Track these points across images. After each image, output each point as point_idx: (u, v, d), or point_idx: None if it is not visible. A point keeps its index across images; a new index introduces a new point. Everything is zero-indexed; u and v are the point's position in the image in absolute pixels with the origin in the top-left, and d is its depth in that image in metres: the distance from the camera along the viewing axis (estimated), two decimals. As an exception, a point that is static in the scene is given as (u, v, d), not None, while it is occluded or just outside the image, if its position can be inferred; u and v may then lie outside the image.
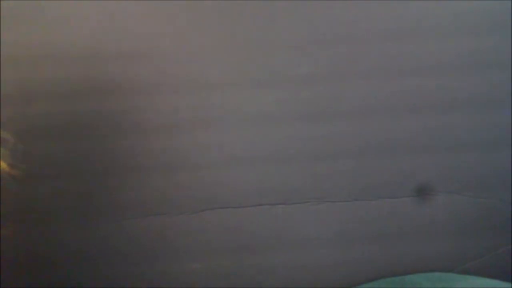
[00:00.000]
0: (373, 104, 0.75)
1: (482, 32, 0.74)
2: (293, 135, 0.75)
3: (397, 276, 0.75)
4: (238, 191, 0.75)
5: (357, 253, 0.77)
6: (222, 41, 0.74)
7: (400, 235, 0.77)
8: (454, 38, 0.74)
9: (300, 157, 0.75)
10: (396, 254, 0.77)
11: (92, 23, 0.73)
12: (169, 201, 0.75)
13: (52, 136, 0.73)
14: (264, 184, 0.75)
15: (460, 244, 0.77)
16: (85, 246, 0.74)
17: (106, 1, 0.72)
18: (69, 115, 0.73)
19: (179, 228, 0.75)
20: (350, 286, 0.76)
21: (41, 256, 0.73)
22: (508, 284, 0.62)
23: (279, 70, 0.75)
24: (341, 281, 0.76)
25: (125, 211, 0.74)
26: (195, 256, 0.76)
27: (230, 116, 0.75)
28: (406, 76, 0.75)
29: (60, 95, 0.72)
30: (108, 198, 0.74)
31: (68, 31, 0.73)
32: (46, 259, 0.74)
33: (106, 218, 0.74)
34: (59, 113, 0.72)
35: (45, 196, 0.73)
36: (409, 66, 0.75)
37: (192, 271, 0.75)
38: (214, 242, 0.76)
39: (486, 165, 0.76)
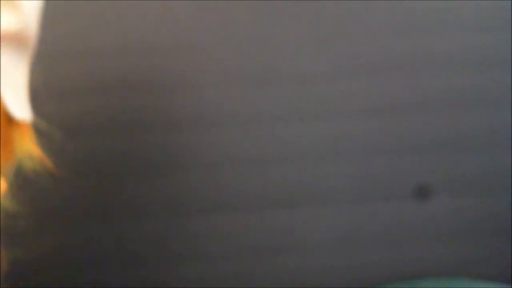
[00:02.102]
0: (373, 104, 0.75)
1: (482, 31, 0.74)
2: (293, 136, 0.75)
3: (401, 279, 0.74)
4: (238, 193, 0.74)
5: (358, 256, 0.76)
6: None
7: (401, 237, 0.76)
8: (454, 38, 0.75)
9: (301, 158, 0.75)
10: (397, 255, 0.76)
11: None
12: (167, 204, 0.74)
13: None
14: (265, 186, 0.75)
15: (461, 245, 0.77)
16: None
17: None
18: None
19: (177, 231, 0.74)
20: None
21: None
22: None
23: (278, 70, 0.74)
24: (344, 284, 0.75)
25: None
26: (194, 259, 0.74)
27: (227, 116, 0.74)
28: (406, 76, 0.75)
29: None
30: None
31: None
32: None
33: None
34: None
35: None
36: (409, 66, 0.75)
37: (191, 274, 0.74)
38: (214, 245, 0.75)
39: (486, 165, 0.76)
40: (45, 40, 0.37)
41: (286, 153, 0.75)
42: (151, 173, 0.73)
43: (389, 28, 0.74)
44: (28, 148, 0.42)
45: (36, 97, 0.39)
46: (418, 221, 0.76)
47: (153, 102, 0.73)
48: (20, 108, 0.38)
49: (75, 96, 0.69)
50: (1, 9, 0.34)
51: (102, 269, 0.73)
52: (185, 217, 0.74)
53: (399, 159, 0.76)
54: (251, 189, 0.75)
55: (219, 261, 0.75)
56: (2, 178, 0.40)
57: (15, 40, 0.36)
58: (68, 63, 0.70)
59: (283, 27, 0.74)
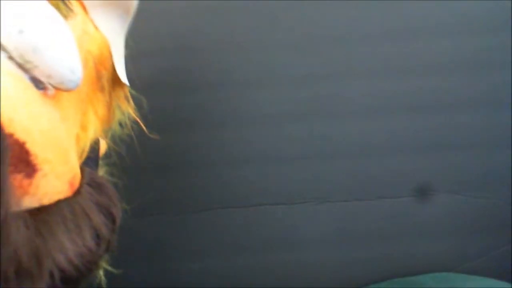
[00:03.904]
0: (373, 104, 0.75)
1: (482, 32, 0.74)
2: (293, 135, 0.75)
3: (401, 276, 0.75)
4: (238, 191, 0.75)
5: (356, 253, 0.77)
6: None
7: (400, 235, 0.77)
8: (454, 38, 0.74)
9: (300, 157, 0.75)
10: (396, 254, 0.77)
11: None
12: (168, 201, 0.75)
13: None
14: (264, 184, 0.76)
15: (460, 244, 0.77)
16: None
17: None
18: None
19: (178, 228, 0.75)
20: (352, 286, 0.76)
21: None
22: None
23: (278, 70, 0.75)
24: (341, 281, 0.76)
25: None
26: (194, 256, 0.76)
27: (227, 116, 0.75)
28: (406, 76, 0.75)
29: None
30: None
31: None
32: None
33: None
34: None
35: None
36: (409, 66, 0.75)
37: (191, 271, 0.76)
38: (213, 242, 0.76)
39: (486, 165, 0.76)
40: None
41: (287, 152, 0.76)
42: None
43: (391, 31, 0.74)
44: (124, 111, 0.43)
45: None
46: (415, 218, 0.77)
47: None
48: (124, 73, 0.40)
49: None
50: None
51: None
52: (185, 215, 0.76)
53: (399, 159, 0.76)
54: (248, 188, 0.76)
55: (218, 257, 0.76)
56: (103, 140, 0.41)
57: (124, 7, 0.38)
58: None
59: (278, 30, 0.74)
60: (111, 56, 0.38)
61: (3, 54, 0.28)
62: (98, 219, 0.31)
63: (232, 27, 0.74)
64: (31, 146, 0.27)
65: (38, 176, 0.27)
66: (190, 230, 0.75)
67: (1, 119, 0.26)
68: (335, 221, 0.77)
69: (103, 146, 0.41)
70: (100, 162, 0.42)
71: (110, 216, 0.33)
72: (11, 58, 0.28)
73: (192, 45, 0.74)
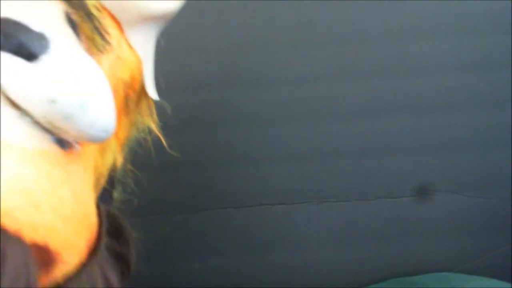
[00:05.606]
0: (373, 104, 0.75)
1: (482, 32, 0.74)
2: (293, 135, 0.75)
3: (401, 276, 0.75)
4: (238, 191, 0.75)
5: (357, 253, 0.77)
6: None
7: (400, 235, 0.77)
8: (454, 38, 0.74)
9: (300, 157, 0.75)
10: (396, 253, 0.77)
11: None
12: (168, 201, 0.75)
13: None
14: (264, 184, 0.76)
15: (459, 243, 0.77)
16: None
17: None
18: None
19: (178, 228, 0.75)
20: (352, 286, 0.76)
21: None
22: None
23: (278, 70, 0.75)
24: (341, 281, 0.76)
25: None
26: (194, 256, 0.76)
27: (227, 116, 0.75)
28: (406, 76, 0.75)
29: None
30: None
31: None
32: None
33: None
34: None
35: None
36: (409, 66, 0.75)
37: (191, 271, 0.76)
38: (214, 242, 0.76)
39: (486, 165, 0.76)
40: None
41: (287, 152, 0.76)
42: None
43: (391, 31, 0.74)
44: (145, 124, 0.41)
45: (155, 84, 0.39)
46: (415, 218, 0.77)
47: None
48: (153, 88, 0.38)
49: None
50: None
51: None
52: (185, 215, 0.75)
53: (399, 159, 0.76)
54: (248, 188, 0.76)
55: (218, 257, 0.76)
56: (120, 152, 0.39)
57: (163, 19, 0.36)
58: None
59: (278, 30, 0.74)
60: (141, 75, 0.36)
61: (25, 120, 0.23)
62: (115, 278, 0.29)
63: (233, 27, 0.74)
64: (53, 244, 0.24)
65: (57, 266, 0.24)
66: (190, 230, 0.75)
67: (24, 231, 0.22)
68: (335, 221, 0.77)
69: (119, 162, 0.39)
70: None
71: (126, 268, 0.31)
72: (36, 123, 0.24)
73: (192, 46, 0.74)
